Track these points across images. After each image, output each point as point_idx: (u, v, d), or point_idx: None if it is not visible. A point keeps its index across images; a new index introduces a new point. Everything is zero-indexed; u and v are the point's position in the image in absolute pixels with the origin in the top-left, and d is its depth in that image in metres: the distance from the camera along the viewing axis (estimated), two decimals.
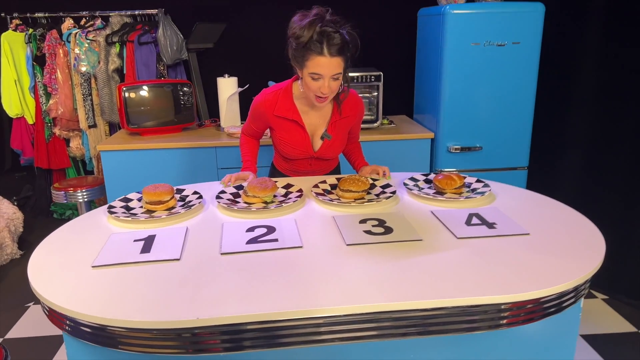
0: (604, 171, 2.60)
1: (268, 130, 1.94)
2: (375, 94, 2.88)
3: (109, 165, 2.73)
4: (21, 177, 3.85)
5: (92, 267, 1.18)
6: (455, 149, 2.78)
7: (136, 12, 3.32)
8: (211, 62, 3.45)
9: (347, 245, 1.27)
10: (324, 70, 1.59)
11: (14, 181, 3.83)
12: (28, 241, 3.36)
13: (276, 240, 1.29)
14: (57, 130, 3.52)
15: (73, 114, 3.46)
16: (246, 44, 3.45)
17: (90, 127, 3.47)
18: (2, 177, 3.78)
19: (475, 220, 1.42)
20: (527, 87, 2.72)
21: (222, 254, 1.23)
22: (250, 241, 1.29)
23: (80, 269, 1.17)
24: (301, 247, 1.26)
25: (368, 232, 1.34)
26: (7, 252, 3.13)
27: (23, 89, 3.49)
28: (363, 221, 1.42)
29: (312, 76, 1.61)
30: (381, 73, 2.82)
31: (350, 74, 2.18)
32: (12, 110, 3.50)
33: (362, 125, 2.76)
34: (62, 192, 2.91)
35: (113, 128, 3.53)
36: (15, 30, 3.39)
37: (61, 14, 3.38)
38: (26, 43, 3.39)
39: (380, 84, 2.82)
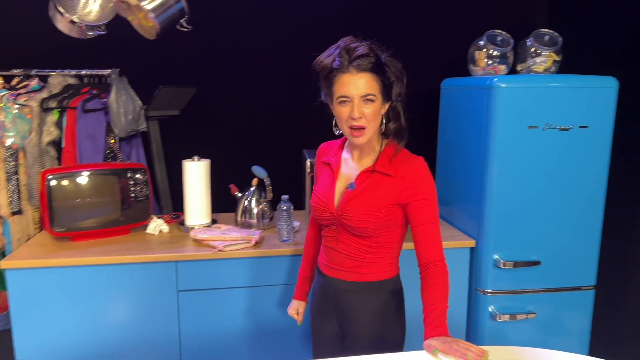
0: None
1: None
2: None
3: (18, 289, 1.85)
4: None
5: None
6: (506, 264, 2.05)
7: (82, 72, 2.59)
8: (176, 132, 2.72)
9: None
10: (350, 89, 1.33)
11: None
12: None
13: None
14: None
15: None
16: (220, 113, 2.75)
17: (14, 213, 2.66)
18: None
19: None
20: (596, 182, 2.06)
21: None
22: None
23: None
24: None
25: None
26: None
27: None
28: None
29: (341, 102, 1.36)
30: None
31: None
32: None
33: None
34: None
35: None
36: None
37: None
38: None
39: None
